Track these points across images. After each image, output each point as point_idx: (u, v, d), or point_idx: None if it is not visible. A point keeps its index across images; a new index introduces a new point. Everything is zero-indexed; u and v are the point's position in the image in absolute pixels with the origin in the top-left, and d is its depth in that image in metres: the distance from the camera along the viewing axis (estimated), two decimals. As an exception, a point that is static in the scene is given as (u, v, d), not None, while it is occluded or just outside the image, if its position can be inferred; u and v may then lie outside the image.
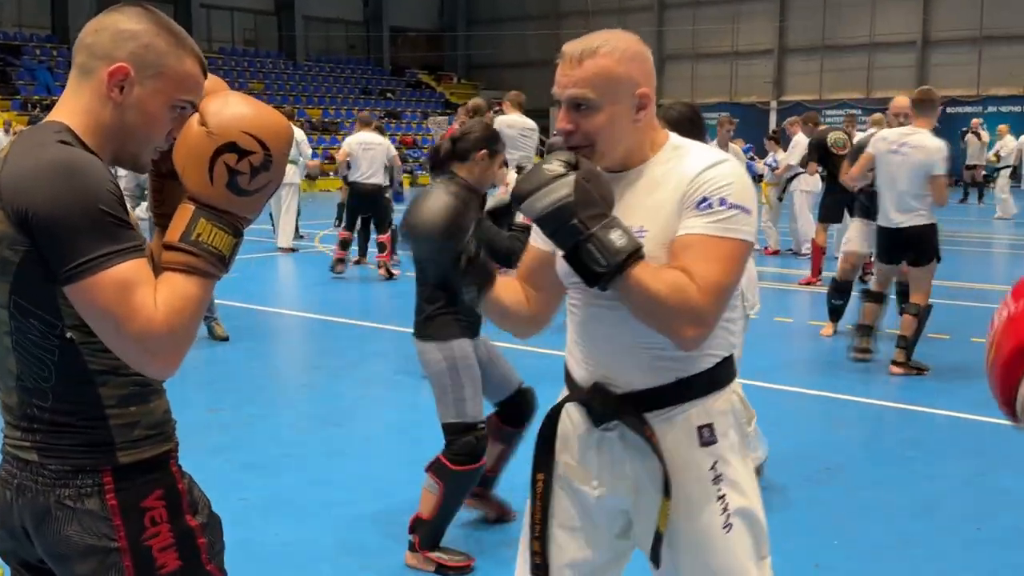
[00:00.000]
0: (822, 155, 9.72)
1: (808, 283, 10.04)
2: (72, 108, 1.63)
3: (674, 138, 2.00)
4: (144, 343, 1.48)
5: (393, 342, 7.47)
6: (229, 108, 1.59)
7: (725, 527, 1.97)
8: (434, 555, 3.62)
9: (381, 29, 36.38)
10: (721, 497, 1.97)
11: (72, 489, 1.60)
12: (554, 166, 1.79)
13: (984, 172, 21.48)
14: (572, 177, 1.77)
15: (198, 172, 1.56)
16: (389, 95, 34.63)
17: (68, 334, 1.56)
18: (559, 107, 1.95)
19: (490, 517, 4.02)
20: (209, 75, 1.74)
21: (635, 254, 1.77)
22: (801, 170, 11.31)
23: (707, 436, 1.97)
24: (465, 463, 3.56)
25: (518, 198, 1.81)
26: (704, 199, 1.85)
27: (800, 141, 11.78)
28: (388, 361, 6.97)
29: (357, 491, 4.33)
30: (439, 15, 38.50)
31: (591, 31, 1.97)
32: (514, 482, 3.81)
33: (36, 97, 24.91)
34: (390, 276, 10.59)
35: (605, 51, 1.89)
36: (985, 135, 21.10)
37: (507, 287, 2.09)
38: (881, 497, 4.33)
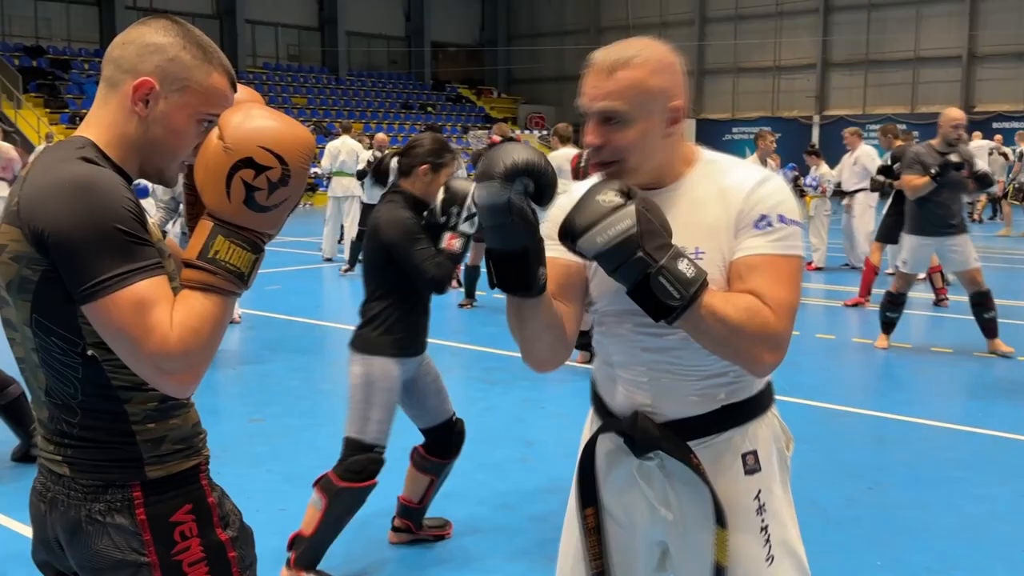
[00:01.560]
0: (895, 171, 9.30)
1: (856, 304, 9.66)
2: (98, 122, 1.62)
3: (706, 152, 1.92)
4: (159, 363, 1.46)
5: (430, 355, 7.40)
6: (247, 122, 1.55)
7: (767, 559, 1.91)
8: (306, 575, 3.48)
9: (423, 44, 36.66)
10: (764, 528, 1.91)
11: (102, 504, 1.60)
12: (609, 196, 1.66)
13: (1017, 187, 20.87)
14: (632, 207, 1.64)
15: (215, 188, 1.53)
16: (430, 109, 34.83)
17: (89, 352, 1.55)
18: (586, 120, 1.82)
19: (434, 537, 3.98)
20: (242, 87, 1.72)
21: (705, 283, 1.68)
22: (867, 186, 11.00)
23: (751, 464, 1.91)
24: (352, 480, 3.46)
25: (572, 234, 1.66)
26: (763, 217, 1.79)
27: (866, 152, 11.45)
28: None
29: (394, 503, 4.34)
30: (480, 30, 38.71)
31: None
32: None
33: (84, 111, 25.23)
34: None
35: (638, 62, 1.77)
36: (1011, 152, 20.64)
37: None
38: (925, 518, 4.26)
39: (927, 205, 7.07)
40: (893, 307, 7.52)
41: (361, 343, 3.53)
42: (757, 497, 1.91)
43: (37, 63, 27.24)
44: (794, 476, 5.07)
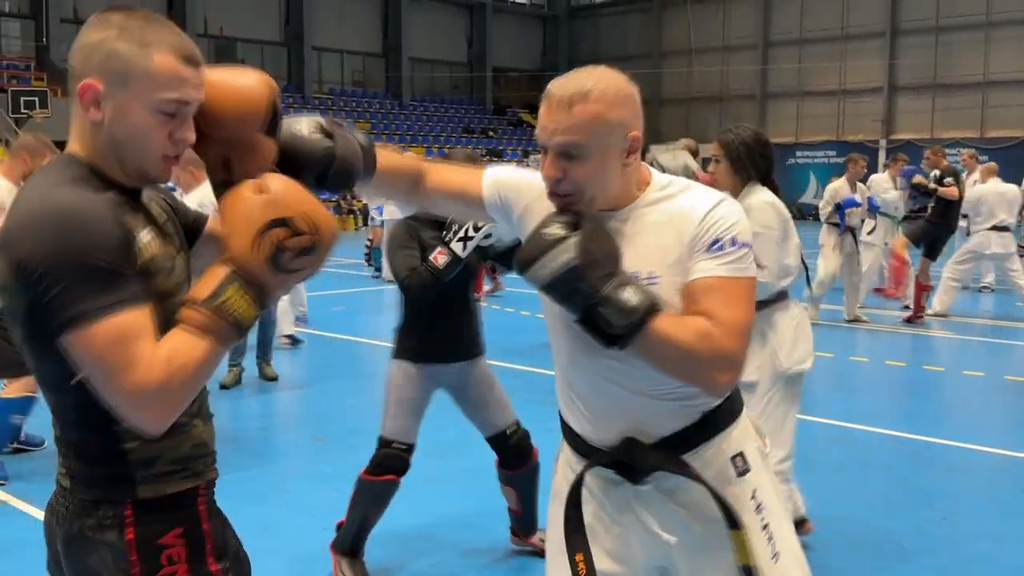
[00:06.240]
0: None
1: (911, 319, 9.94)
2: (74, 134, 1.57)
3: (657, 175, 1.94)
4: (135, 396, 1.42)
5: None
6: (293, 187, 1.56)
7: (773, 557, 1.94)
8: (341, 562, 3.73)
9: (484, 69, 36.99)
10: (765, 526, 1.94)
11: (94, 519, 1.57)
12: (554, 229, 1.70)
13: None
14: (573, 240, 1.68)
15: (245, 237, 1.50)
16: (491, 133, 35.10)
17: (76, 378, 1.50)
18: (544, 152, 1.84)
19: (540, 550, 3.98)
20: (256, 72, 1.63)
21: (651, 309, 1.71)
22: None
23: (741, 465, 1.95)
24: (371, 473, 3.68)
25: (522, 266, 1.72)
26: (716, 240, 1.81)
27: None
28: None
29: (456, 522, 4.36)
30: (541, 55, 38.94)
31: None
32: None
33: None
34: None
35: (596, 95, 1.78)
36: None
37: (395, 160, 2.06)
38: (998, 548, 4.16)
39: None
40: None
41: (393, 348, 3.79)
42: (754, 496, 1.94)
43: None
44: (864, 505, 4.99)
